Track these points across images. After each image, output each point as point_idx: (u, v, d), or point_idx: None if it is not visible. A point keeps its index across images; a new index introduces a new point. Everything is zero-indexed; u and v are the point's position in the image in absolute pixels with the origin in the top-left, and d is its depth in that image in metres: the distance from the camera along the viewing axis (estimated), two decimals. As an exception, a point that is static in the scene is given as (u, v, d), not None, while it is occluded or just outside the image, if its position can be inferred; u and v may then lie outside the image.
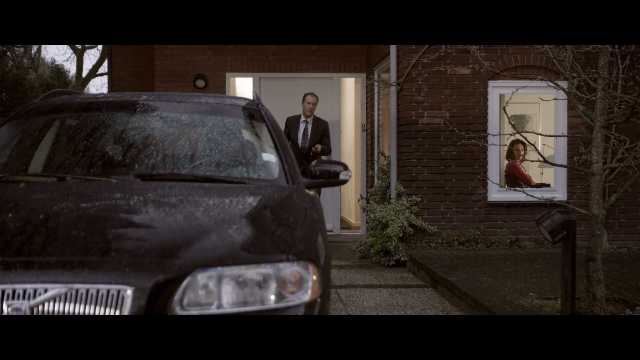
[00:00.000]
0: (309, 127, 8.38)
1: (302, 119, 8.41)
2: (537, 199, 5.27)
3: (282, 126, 8.09)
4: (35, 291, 2.04)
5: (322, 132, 8.40)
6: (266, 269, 2.23)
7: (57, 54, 34.40)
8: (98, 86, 34.87)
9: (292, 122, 8.46)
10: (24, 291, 2.04)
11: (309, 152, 8.30)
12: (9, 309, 2.02)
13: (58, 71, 21.57)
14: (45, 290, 2.04)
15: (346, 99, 11.22)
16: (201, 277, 2.16)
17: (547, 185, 8.23)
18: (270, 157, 3.54)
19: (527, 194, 5.20)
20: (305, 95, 8.45)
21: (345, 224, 10.67)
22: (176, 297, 2.12)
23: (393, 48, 7.91)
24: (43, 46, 26.25)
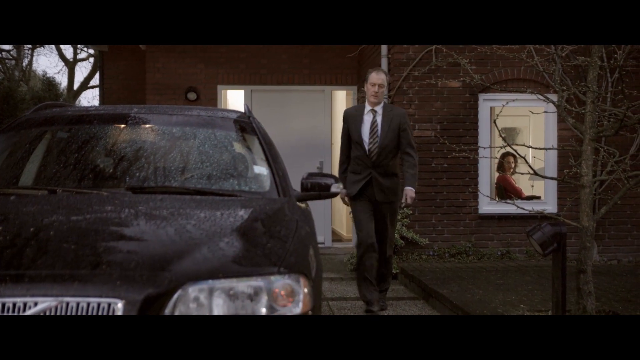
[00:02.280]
0: (379, 119, 5.62)
1: (367, 108, 5.69)
2: (527, 212, 5.29)
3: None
4: (25, 305, 2.03)
5: (399, 129, 5.61)
6: (257, 282, 2.23)
7: (49, 66, 34.39)
8: (89, 99, 34.80)
9: (353, 116, 5.74)
10: (14, 304, 2.03)
11: (380, 158, 5.58)
12: (-1, 323, 2.00)
13: (49, 84, 21.50)
14: (35, 304, 2.03)
15: (338, 112, 11.24)
16: (192, 290, 2.16)
17: (538, 198, 8.27)
18: (261, 169, 3.55)
19: (518, 207, 5.22)
20: (369, 73, 5.74)
21: (336, 237, 10.66)
22: (167, 311, 2.12)
23: (384, 61, 7.95)
24: (34, 58, 26.21)
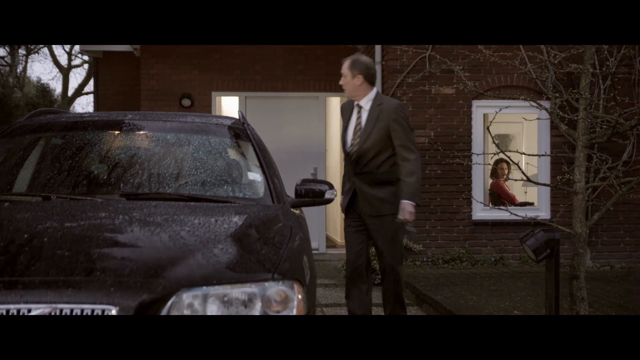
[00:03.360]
0: (364, 115, 4.61)
1: (356, 102, 4.69)
2: (521, 218, 5.31)
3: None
4: (18, 311, 2.03)
5: (389, 126, 4.51)
6: (251, 288, 2.23)
7: (43, 72, 34.40)
8: (84, 105, 34.75)
9: (346, 110, 4.79)
10: (7, 311, 2.03)
11: (362, 164, 4.57)
12: (-7, 329, 2.00)
13: (44, 90, 21.49)
14: (29, 311, 2.03)
15: (332, 118, 11.27)
16: (186, 297, 2.16)
17: (531, 204, 8.29)
18: (255, 176, 3.56)
19: (511, 213, 5.24)
20: None
21: (330, 243, 10.66)
22: (161, 317, 2.12)
23: (378, 68, 7.96)
24: (29, 65, 26.12)
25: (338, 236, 11.01)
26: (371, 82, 4.65)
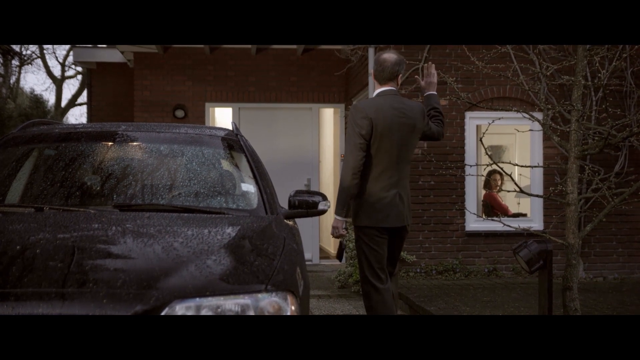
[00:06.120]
0: None
1: None
2: (514, 229, 5.33)
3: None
4: (10, 323, 2.02)
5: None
6: (244, 300, 2.23)
7: (36, 83, 34.33)
8: (77, 116, 34.71)
9: None
10: (-1, 323, 2.02)
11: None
12: (-16, 341, 1.99)
13: (37, 101, 21.47)
14: (21, 322, 2.02)
15: (325, 130, 11.30)
16: (179, 308, 2.15)
17: (524, 215, 8.31)
18: (249, 187, 3.55)
19: (504, 224, 5.25)
20: None
21: (324, 254, 10.65)
22: (154, 328, 2.11)
23: (371, 79, 8.00)
24: (22, 76, 26.08)
25: (331, 247, 11.00)
26: (378, 79, 4.31)
